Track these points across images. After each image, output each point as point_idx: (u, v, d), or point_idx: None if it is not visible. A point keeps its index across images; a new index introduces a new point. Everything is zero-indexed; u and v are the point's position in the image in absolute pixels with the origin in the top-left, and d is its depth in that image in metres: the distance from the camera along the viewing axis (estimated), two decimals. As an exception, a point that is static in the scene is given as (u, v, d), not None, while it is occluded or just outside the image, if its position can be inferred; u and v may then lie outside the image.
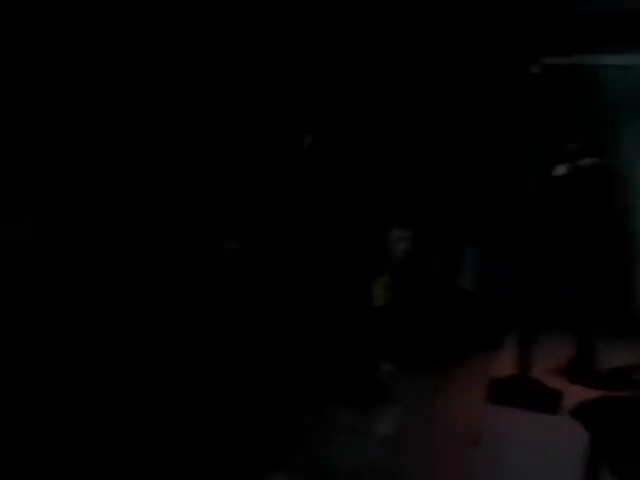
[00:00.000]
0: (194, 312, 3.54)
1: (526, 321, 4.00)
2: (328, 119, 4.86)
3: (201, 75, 3.92)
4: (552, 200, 4.49)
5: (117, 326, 2.86)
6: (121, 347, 2.83)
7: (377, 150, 5.10)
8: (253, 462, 2.82)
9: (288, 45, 4.42)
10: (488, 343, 5.17)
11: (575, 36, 6.91)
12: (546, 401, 3.58)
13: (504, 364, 4.17)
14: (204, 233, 3.89)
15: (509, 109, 6.40)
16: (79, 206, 3.08)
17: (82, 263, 2.92)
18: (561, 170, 4.36)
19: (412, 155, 5.54)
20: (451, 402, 3.83)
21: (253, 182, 4.24)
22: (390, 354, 4.13)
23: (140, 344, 2.93)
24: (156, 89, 3.64)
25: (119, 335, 2.85)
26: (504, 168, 6.35)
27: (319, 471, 2.76)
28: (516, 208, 5.38)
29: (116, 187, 3.30)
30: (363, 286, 4.76)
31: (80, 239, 2.98)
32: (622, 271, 5.40)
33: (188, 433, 2.84)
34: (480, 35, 6.22)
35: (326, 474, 2.75)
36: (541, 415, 3.45)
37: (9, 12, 2.93)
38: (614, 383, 4.00)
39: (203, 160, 3.95)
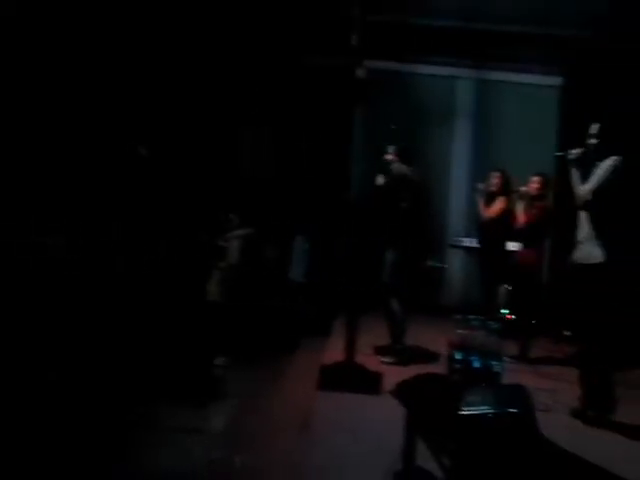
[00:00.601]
0: (16, 307, 3.40)
1: (350, 307, 4.25)
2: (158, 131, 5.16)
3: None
4: (375, 202, 4.89)
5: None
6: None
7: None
8: (73, 471, 2.59)
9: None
10: (319, 330, 5.41)
11: (397, 44, 7.51)
12: (369, 383, 3.84)
13: (335, 350, 4.38)
14: (26, 227, 3.87)
15: (332, 110, 6.76)
16: None
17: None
18: (380, 180, 4.76)
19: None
20: (284, 391, 3.93)
21: (83, 182, 4.46)
22: (223, 347, 4.10)
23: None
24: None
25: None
26: (323, 168, 6.72)
27: (146, 477, 2.63)
28: (340, 205, 5.73)
29: None
30: (194, 283, 4.71)
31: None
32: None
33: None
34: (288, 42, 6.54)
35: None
36: (365, 396, 3.70)
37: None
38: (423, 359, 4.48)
39: (36, 163, 4.16)
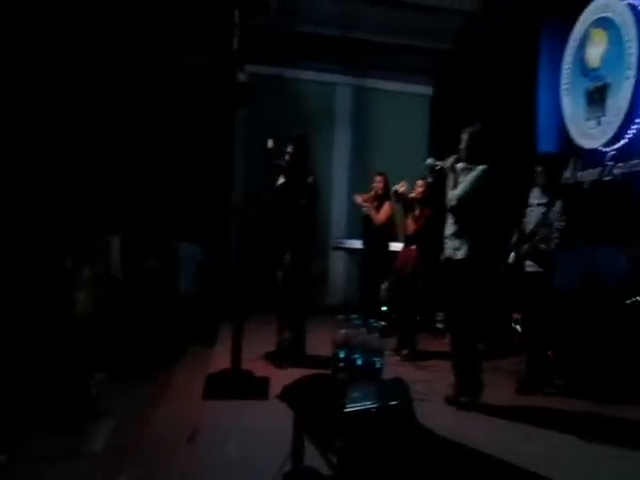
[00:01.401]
0: None
1: (235, 313, 4.19)
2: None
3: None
4: (276, 203, 4.86)
5: None
6: None
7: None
8: None
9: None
10: (206, 339, 5.28)
11: (278, 49, 7.57)
12: (256, 389, 3.82)
13: (222, 358, 4.29)
14: None
15: (215, 112, 6.66)
16: None
17: None
18: (281, 180, 4.75)
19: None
20: (169, 403, 3.78)
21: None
22: (101, 362, 3.86)
23: None
24: None
25: None
26: (211, 172, 6.60)
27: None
28: (225, 209, 5.65)
29: None
30: (58, 292, 4.38)
31: None
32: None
33: None
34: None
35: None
36: (253, 402, 3.67)
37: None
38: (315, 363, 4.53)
39: None
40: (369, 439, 1.94)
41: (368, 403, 2.01)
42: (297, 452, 2.40)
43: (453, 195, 3.79)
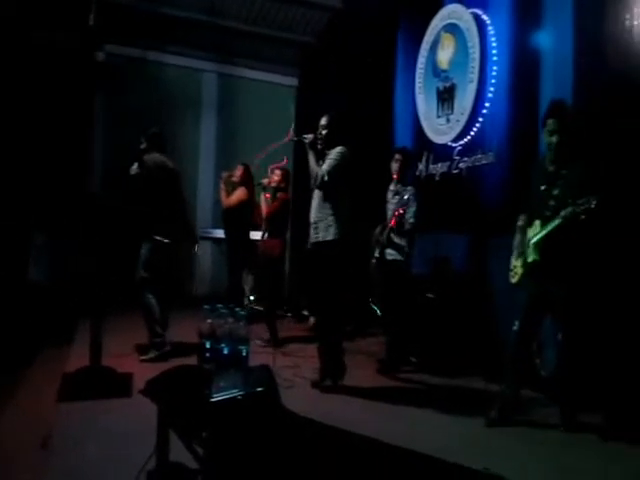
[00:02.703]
0: None
1: (94, 308, 3.95)
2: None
3: None
4: (131, 192, 4.62)
5: None
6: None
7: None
8: None
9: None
10: (62, 336, 4.92)
11: (142, 31, 7.19)
12: (118, 386, 3.64)
13: (81, 356, 4.03)
14: None
15: (71, 93, 6.17)
16: None
17: None
18: (134, 169, 4.51)
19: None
20: (20, 409, 3.46)
21: None
22: None
23: None
24: None
25: None
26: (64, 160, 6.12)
27: None
28: (79, 202, 5.28)
29: None
30: None
31: None
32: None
33: None
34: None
35: None
36: (115, 400, 3.50)
37: None
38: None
39: None
40: (235, 427, 1.96)
41: (234, 391, 2.02)
42: (162, 448, 2.34)
43: (320, 171, 3.87)
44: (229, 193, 5.76)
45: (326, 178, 3.84)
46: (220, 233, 6.62)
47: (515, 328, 3.39)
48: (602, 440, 3.16)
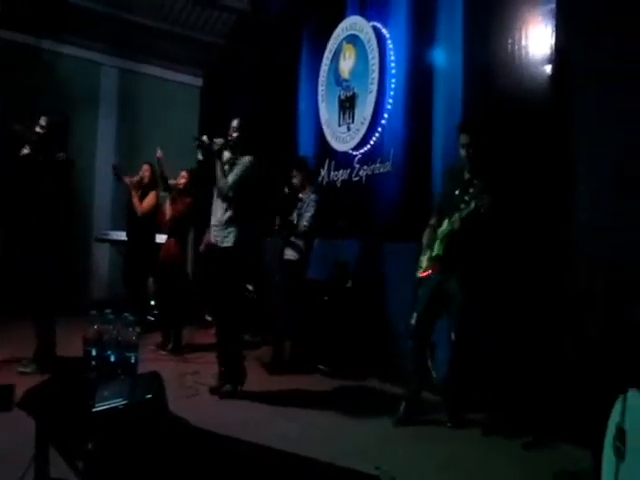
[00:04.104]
0: None
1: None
2: None
3: None
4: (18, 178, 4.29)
5: None
6: None
7: None
8: None
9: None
10: None
11: (37, 18, 6.76)
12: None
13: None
14: None
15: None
16: None
17: None
18: (25, 150, 4.19)
19: None
20: None
21: None
22: None
23: None
24: None
25: None
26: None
27: None
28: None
29: None
30: None
31: None
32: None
33: None
34: None
35: None
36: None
37: None
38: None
39: None
40: (119, 438, 1.89)
41: (118, 400, 1.95)
42: (40, 463, 2.21)
43: (225, 184, 3.83)
44: (140, 198, 5.61)
45: (230, 194, 3.83)
46: (119, 235, 6.36)
47: (412, 321, 3.58)
48: (484, 435, 3.39)
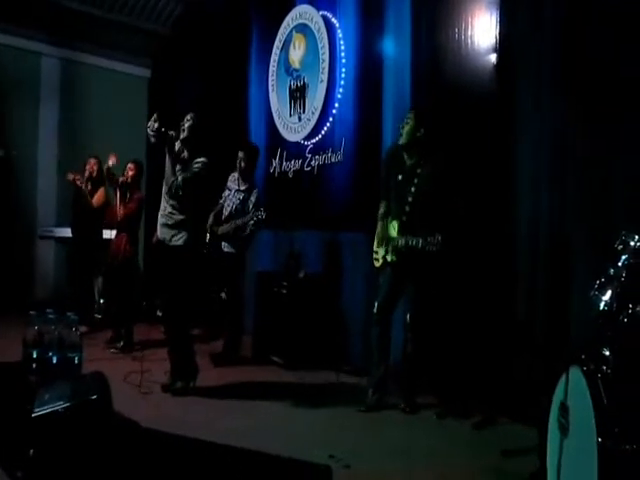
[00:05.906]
0: None
1: None
2: None
3: None
4: None
5: None
6: None
7: None
8: None
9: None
10: None
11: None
12: None
13: None
14: None
15: None
16: None
17: None
18: None
19: None
20: None
21: None
22: None
23: None
24: None
25: None
26: None
27: None
28: None
29: None
30: None
31: None
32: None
33: None
34: None
35: None
36: None
37: None
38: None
39: None
40: (61, 440, 1.82)
41: (59, 404, 1.87)
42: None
43: (175, 182, 3.76)
44: (90, 193, 5.46)
45: (180, 193, 3.76)
46: (64, 231, 6.13)
47: (375, 309, 3.64)
48: (439, 418, 3.46)
